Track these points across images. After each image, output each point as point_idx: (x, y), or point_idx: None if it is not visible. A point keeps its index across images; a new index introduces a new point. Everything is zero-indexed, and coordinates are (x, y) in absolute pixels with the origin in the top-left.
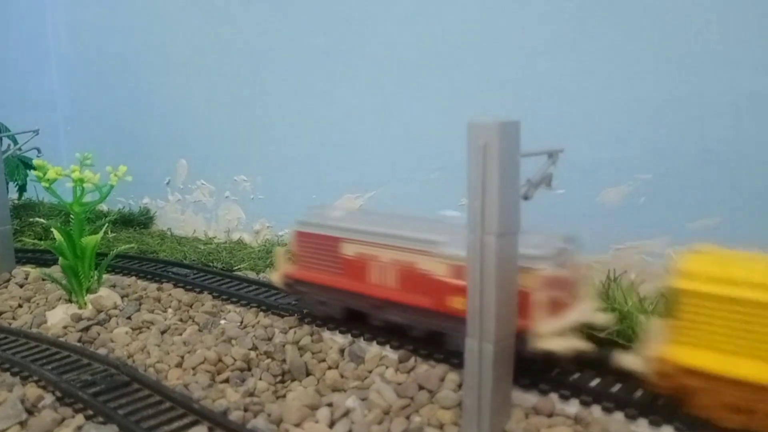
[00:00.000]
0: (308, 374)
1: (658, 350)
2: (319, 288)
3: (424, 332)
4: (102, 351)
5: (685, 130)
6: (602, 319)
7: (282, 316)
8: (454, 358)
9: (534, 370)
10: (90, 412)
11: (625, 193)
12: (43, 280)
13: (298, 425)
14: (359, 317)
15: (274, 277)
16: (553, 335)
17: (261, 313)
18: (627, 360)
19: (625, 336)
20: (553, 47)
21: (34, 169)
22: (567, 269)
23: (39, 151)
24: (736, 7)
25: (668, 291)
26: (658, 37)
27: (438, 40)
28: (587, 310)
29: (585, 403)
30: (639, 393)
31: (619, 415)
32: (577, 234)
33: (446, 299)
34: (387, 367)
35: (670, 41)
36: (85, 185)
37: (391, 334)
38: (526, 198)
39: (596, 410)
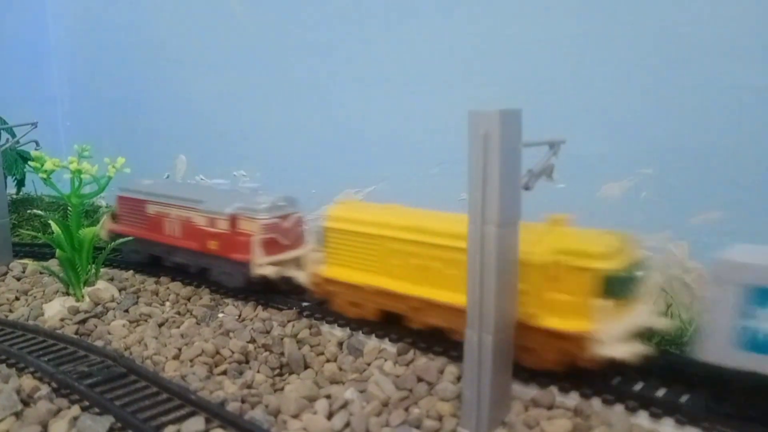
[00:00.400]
0: (306, 367)
1: (314, 269)
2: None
3: (196, 268)
4: (99, 343)
5: (687, 125)
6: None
7: (280, 310)
8: (453, 350)
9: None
10: (86, 404)
11: (626, 187)
12: (41, 273)
13: (296, 416)
14: (158, 260)
15: (101, 232)
16: (268, 265)
17: (259, 307)
18: (299, 276)
19: None
20: (555, 41)
21: (32, 161)
22: (285, 221)
23: (37, 143)
24: (740, 0)
25: (320, 230)
26: (661, 31)
27: (439, 34)
28: (305, 251)
29: (585, 396)
30: (639, 385)
31: (619, 407)
32: (296, 196)
33: (207, 243)
34: (386, 360)
35: (672, 35)
36: (82, 176)
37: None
38: (527, 188)
39: (596, 402)
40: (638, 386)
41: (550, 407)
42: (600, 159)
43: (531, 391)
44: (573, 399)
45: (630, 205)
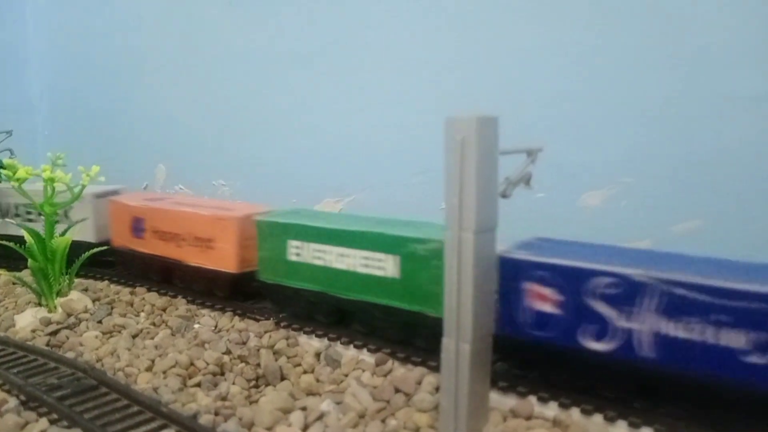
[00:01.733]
0: (283, 378)
1: None
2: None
3: None
4: (70, 355)
5: (668, 134)
6: None
7: (257, 320)
8: (432, 360)
9: None
10: (55, 416)
11: (606, 196)
12: (14, 284)
13: (269, 429)
14: None
15: None
16: None
17: (236, 317)
18: None
19: None
20: (535, 50)
21: (4, 168)
22: None
23: (12, 152)
24: (721, 11)
25: None
26: (641, 41)
27: (419, 42)
28: None
29: (564, 406)
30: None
31: (598, 418)
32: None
33: None
34: (363, 371)
35: (653, 44)
36: (55, 185)
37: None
38: (504, 196)
39: (575, 412)
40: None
41: (528, 418)
42: (580, 168)
43: (509, 402)
44: (552, 409)
45: (610, 214)
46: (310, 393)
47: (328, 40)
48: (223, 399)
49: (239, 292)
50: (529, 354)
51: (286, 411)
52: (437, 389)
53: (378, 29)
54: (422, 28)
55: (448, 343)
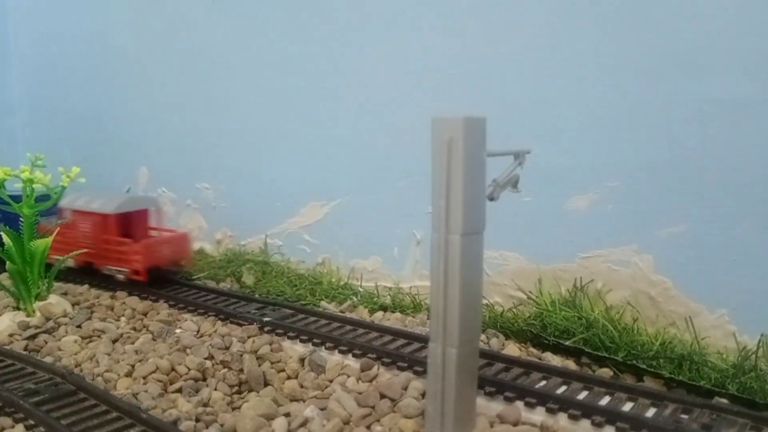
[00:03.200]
0: (266, 384)
1: None
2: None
3: None
4: (48, 360)
5: (652, 138)
6: None
7: (240, 325)
8: (418, 365)
9: None
10: (31, 422)
11: (592, 200)
12: None
13: None
14: None
15: None
16: None
17: (219, 322)
18: None
19: (592, 344)
20: (521, 54)
21: None
22: None
23: None
24: (702, 14)
25: None
26: (625, 44)
27: (404, 46)
28: None
29: (551, 411)
30: (605, 400)
31: (585, 423)
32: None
33: None
34: (348, 376)
35: (636, 48)
36: (35, 186)
37: None
38: (491, 199)
39: (562, 418)
40: (604, 401)
41: (515, 423)
42: (566, 172)
43: (496, 407)
44: (539, 415)
45: (596, 218)
46: (294, 399)
47: (314, 44)
48: (205, 405)
49: None
50: None
51: (269, 417)
52: (423, 395)
53: (363, 34)
54: (407, 33)
55: (434, 347)
